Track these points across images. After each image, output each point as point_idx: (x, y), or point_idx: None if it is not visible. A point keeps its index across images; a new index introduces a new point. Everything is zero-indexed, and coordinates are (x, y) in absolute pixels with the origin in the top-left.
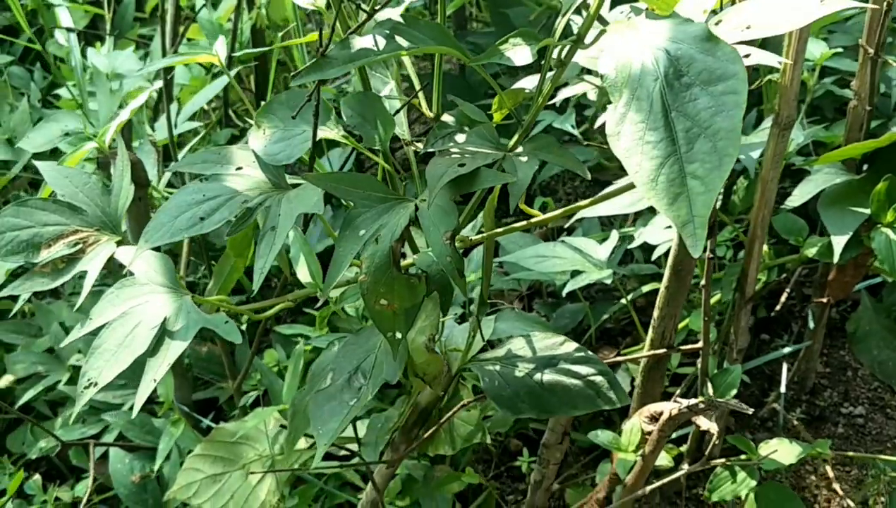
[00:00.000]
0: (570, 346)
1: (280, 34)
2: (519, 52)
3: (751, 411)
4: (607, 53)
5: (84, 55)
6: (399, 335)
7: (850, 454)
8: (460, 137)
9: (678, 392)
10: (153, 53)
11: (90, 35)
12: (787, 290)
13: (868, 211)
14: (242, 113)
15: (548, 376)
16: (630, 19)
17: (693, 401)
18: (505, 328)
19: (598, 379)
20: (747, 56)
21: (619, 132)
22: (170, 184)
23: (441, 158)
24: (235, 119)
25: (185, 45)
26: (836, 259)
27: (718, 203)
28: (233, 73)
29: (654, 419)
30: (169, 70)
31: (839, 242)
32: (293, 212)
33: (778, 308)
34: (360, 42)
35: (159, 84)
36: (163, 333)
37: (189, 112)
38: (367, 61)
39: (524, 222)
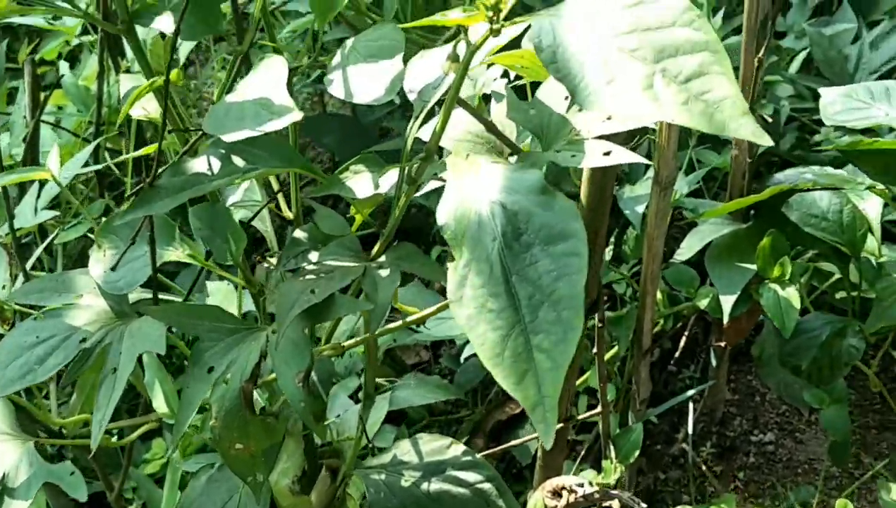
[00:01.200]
0: (458, 449)
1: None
2: (361, 181)
3: (644, 506)
4: (445, 202)
5: None
6: (260, 477)
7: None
8: (314, 256)
9: (583, 452)
10: (12, 127)
11: None
12: (686, 334)
13: (754, 266)
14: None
15: (435, 485)
16: (469, 158)
17: (588, 490)
18: (404, 397)
19: (487, 486)
20: (608, 154)
21: (461, 297)
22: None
23: (293, 282)
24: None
25: (49, 112)
26: (725, 319)
27: (609, 254)
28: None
29: (556, 493)
30: (34, 143)
31: (727, 301)
32: (134, 350)
33: (677, 355)
34: (195, 164)
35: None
36: (2, 491)
37: (48, 197)
38: (199, 191)
39: (398, 323)
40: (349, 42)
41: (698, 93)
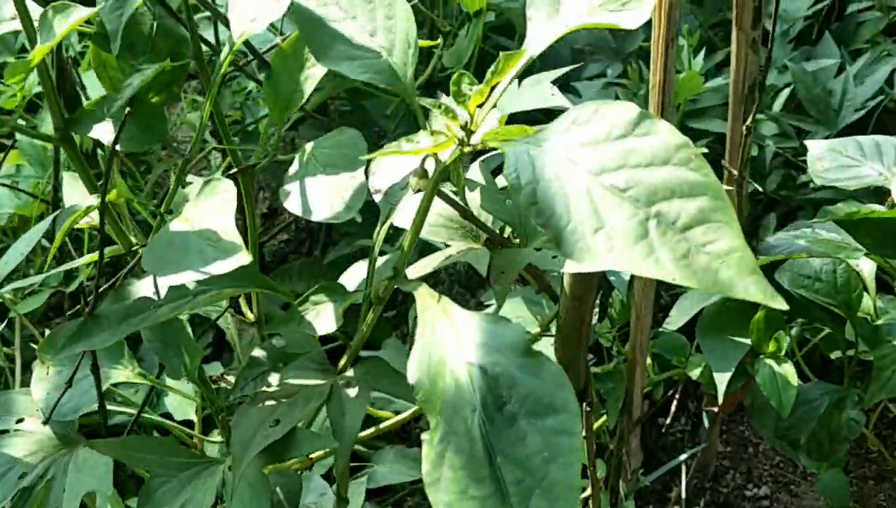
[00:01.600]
0: None
1: None
2: (323, 316)
3: None
4: (416, 355)
5: None
6: None
7: None
8: (274, 377)
9: None
10: None
11: None
12: (677, 396)
13: (748, 340)
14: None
15: None
16: (441, 301)
17: None
18: (383, 474)
19: None
20: None
21: (438, 479)
22: None
23: (250, 410)
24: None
25: (6, 174)
26: (720, 398)
27: (595, 318)
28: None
29: None
30: None
31: (722, 380)
32: (79, 487)
33: (668, 421)
34: (139, 287)
35: None
36: None
37: (5, 271)
38: (144, 322)
39: (371, 430)
40: (308, 147)
41: (699, 244)
